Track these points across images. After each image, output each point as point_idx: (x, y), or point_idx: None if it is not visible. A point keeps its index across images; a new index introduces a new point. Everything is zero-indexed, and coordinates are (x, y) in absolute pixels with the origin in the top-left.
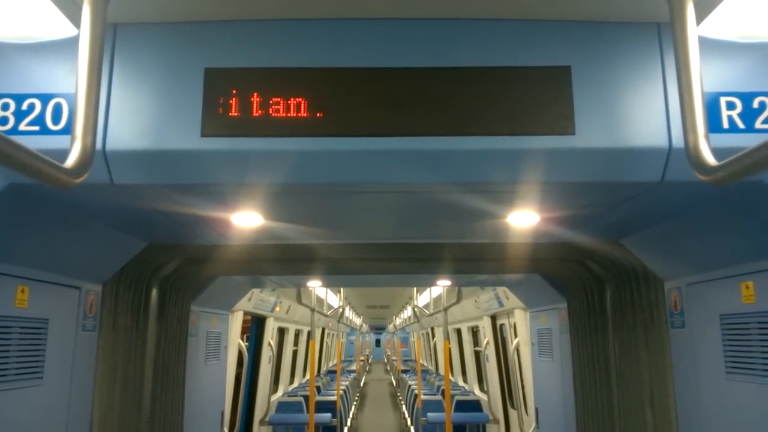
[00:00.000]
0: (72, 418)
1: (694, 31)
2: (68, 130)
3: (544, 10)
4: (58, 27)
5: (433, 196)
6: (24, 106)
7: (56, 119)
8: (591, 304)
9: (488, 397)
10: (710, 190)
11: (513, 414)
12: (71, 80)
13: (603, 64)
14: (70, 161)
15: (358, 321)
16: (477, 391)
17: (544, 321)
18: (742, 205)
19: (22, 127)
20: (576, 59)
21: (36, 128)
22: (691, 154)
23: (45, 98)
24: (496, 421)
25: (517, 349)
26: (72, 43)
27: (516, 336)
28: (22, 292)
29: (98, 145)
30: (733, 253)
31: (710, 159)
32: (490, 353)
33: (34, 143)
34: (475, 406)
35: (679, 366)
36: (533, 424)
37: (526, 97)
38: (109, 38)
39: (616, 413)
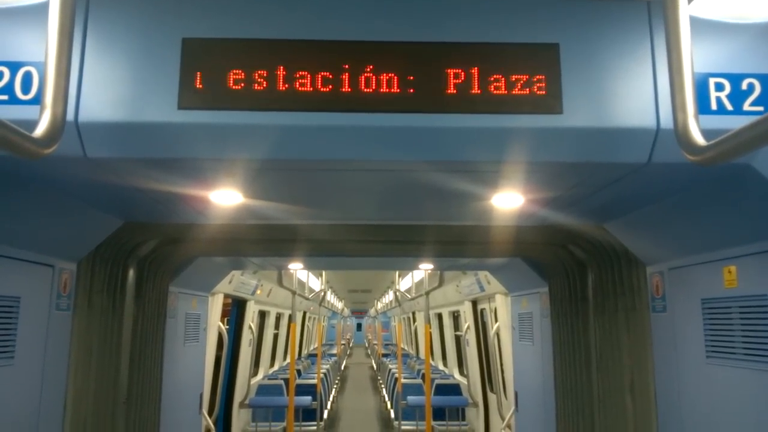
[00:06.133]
0: (45, 400)
1: (685, 9)
2: (39, 99)
3: None
4: None
5: (416, 175)
6: None
7: (26, 88)
8: (573, 288)
9: (468, 381)
10: (696, 173)
11: (492, 398)
12: (42, 48)
13: (592, 41)
14: (39, 131)
15: (339, 305)
16: (457, 375)
17: (525, 305)
18: (728, 188)
19: None
20: (564, 36)
21: (5, 97)
22: (679, 133)
23: (14, 66)
24: (475, 404)
25: (497, 334)
26: (43, 8)
27: (496, 321)
28: None
29: (70, 116)
30: (716, 238)
31: (699, 139)
32: (471, 338)
33: (2, 113)
34: (454, 389)
35: (659, 350)
36: (512, 408)
37: (512, 75)
38: (83, 4)
39: (596, 397)
